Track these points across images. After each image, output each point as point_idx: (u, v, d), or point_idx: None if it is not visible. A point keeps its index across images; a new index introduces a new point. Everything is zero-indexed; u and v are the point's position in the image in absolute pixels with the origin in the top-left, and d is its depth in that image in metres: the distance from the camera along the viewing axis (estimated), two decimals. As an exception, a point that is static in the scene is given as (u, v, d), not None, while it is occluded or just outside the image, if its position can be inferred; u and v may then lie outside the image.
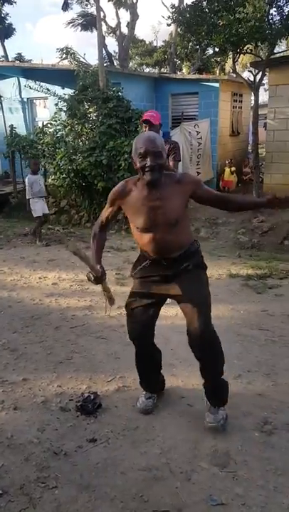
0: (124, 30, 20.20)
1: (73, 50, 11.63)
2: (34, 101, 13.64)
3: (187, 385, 3.04)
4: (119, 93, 9.50)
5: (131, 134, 8.93)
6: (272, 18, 8.54)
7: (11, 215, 10.44)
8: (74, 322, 4.12)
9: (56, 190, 9.93)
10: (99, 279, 2.51)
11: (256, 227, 7.92)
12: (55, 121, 9.84)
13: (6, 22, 22.10)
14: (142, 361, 2.78)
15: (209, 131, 11.41)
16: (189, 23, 9.05)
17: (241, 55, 10.04)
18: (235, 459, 2.38)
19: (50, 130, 9.92)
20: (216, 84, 11.77)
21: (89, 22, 20.39)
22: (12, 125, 10.87)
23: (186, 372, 3.18)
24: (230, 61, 12.79)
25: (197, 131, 11.13)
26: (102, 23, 13.81)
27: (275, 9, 8.47)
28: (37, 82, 10.81)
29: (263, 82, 10.87)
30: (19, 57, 22.89)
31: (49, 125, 10.08)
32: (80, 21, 21.02)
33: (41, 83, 10.57)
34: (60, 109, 9.71)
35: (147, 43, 26.08)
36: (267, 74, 9.85)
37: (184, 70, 22.19)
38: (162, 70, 21.78)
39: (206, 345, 2.48)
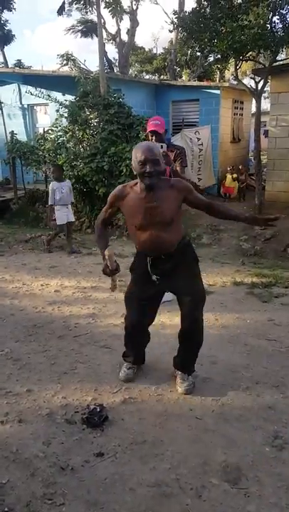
0: (124, 37, 20.28)
1: (74, 56, 11.66)
2: (35, 107, 13.64)
3: (195, 398, 2.97)
4: (120, 99, 9.50)
5: (132, 140, 8.92)
6: (274, 26, 8.54)
7: (12, 222, 10.39)
8: (77, 331, 4.06)
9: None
10: (114, 271, 2.80)
11: (259, 234, 7.88)
12: (56, 127, 9.82)
13: (6, 28, 22.21)
14: (133, 341, 3.19)
15: (210, 138, 11.41)
16: (192, 29, 9.05)
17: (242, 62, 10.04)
18: (246, 475, 2.31)
19: (51, 136, 9.90)
20: (218, 91, 11.80)
21: (89, 28, 20.45)
22: (13, 131, 10.84)
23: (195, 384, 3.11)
24: (231, 68, 12.81)
25: (198, 138, 11.14)
26: (103, 30, 13.82)
27: (277, 17, 8.48)
28: (37, 88, 10.80)
29: (265, 89, 10.87)
30: (19, 64, 22.93)
31: (50, 131, 10.05)
32: (79, 28, 21.06)
33: (42, 89, 10.57)
34: (61, 115, 9.69)
35: (147, 50, 26.16)
36: (269, 81, 9.85)
37: (184, 77, 22.25)
38: (162, 77, 21.82)
39: (195, 335, 2.99)
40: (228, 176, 11.37)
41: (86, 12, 19.99)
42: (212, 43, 8.75)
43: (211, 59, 14.93)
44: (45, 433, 2.64)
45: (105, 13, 16.43)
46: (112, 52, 31.45)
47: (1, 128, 12.31)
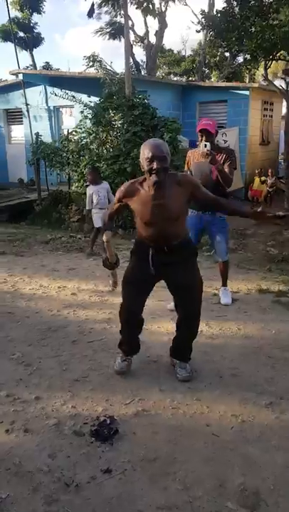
0: (152, 39, 20.17)
1: (100, 57, 11.60)
2: (60, 109, 13.68)
3: (213, 412, 2.77)
4: (145, 100, 9.36)
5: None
6: (306, 25, 8.26)
7: (34, 222, 10.38)
8: (92, 336, 3.90)
9: (79, 197, 9.79)
10: (113, 265, 2.99)
11: (287, 240, 7.58)
12: (80, 128, 9.76)
13: (35, 31, 22.48)
14: (128, 328, 3.17)
15: (238, 140, 11.17)
16: (219, 29, 8.88)
17: (272, 62, 9.79)
18: (266, 500, 2.11)
19: (75, 138, 9.84)
20: (246, 92, 11.55)
21: (117, 30, 20.41)
22: (38, 133, 10.85)
23: (212, 397, 2.91)
24: (261, 69, 12.56)
25: (224, 140, 10.90)
26: (130, 32, 13.78)
27: (309, 15, 8.20)
28: (63, 90, 10.79)
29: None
30: (47, 66, 23.17)
31: (74, 133, 10.01)
32: (107, 30, 21.08)
33: (67, 91, 10.54)
34: (86, 117, 9.63)
35: (175, 52, 25.99)
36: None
37: (213, 79, 21.99)
38: (190, 78, 21.61)
39: (193, 324, 3.07)
40: (256, 179, 11.09)
41: (115, 15, 20.03)
42: (240, 42, 8.54)
43: (240, 59, 14.68)
44: (51, 445, 2.49)
45: (133, 14, 16.37)
46: (140, 54, 31.55)
47: (27, 129, 12.39)
